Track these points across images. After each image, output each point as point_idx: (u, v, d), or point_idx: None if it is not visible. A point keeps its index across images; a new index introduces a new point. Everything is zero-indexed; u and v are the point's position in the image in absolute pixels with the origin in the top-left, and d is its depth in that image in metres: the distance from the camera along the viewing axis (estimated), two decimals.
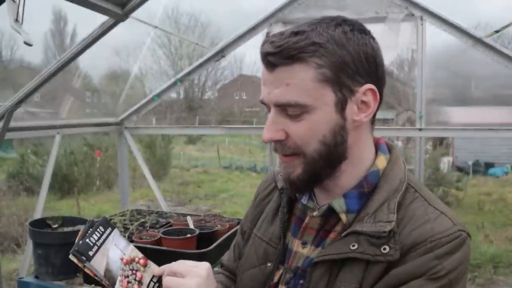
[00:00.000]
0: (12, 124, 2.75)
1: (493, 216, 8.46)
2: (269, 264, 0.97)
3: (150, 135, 10.86)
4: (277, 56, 0.80)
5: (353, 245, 0.82)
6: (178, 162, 14.28)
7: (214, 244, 2.09)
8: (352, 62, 0.81)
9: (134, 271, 1.02)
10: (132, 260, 1.04)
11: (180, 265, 0.96)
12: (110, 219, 2.61)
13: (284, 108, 0.83)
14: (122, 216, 2.67)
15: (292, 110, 0.82)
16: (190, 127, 6.99)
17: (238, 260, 1.10)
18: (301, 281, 0.90)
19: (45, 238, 1.90)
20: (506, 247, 6.64)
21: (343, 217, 0.87)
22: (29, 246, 3.04)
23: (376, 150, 0.93)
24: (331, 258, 0.84)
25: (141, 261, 1.05)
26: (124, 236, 1.10)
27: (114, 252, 1.02)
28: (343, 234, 0.85)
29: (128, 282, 1.00)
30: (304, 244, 0.93)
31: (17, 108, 2.75)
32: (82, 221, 2.05)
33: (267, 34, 0.87)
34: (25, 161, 10.20)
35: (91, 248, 0.98)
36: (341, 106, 0.83)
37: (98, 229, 1.02)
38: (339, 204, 0.87)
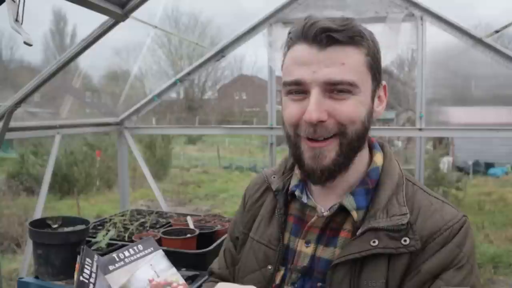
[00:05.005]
0: (12, 124, 2.75)
1: (493, 216, 8.46)
2: (269, 267, 0.96)
3: (150, 135, 10.84)
4: (342, 33, 0.81)
5: (374, 241, 0.83)
6: (178, 162, 14.27)
7: (214, 244, 2.09)
8: (378, 60, 0.88)
9: None
10: (167, 284, 0.98)
11: None
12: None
13: (331, 88, 0.82)
14: (122, 216, 2.67)
15: (340, 90, 0.83)
16: (190, 127, 6.98)
17: (231, 267, 1.09)
18: (319, 284, 0.89)
19: (45, 238, 1.90)
20: (506, 247, 6.64)
21: (354, 214, 0.88)
22: (29, 246, 3.03)
23: (370, 148, 0.96)
24: (353, 257, 0.84)
25: (180, 287, 0.99)
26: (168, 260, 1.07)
27: (145, 272, 0.99)
28: (359, 232, 0.85)
29: None
30: (307, 243, 0.93)
31: (17, 108, 2.75)
32: (82, 221, 2.05)
33: (306, 18, 0.85)
34: (25, 161, 10.21)
35: (113, 263, 0.96)
36: (373, 95, 0.89)
37: (136, 247, 1.00)
38: (349, 202, 0.89)
